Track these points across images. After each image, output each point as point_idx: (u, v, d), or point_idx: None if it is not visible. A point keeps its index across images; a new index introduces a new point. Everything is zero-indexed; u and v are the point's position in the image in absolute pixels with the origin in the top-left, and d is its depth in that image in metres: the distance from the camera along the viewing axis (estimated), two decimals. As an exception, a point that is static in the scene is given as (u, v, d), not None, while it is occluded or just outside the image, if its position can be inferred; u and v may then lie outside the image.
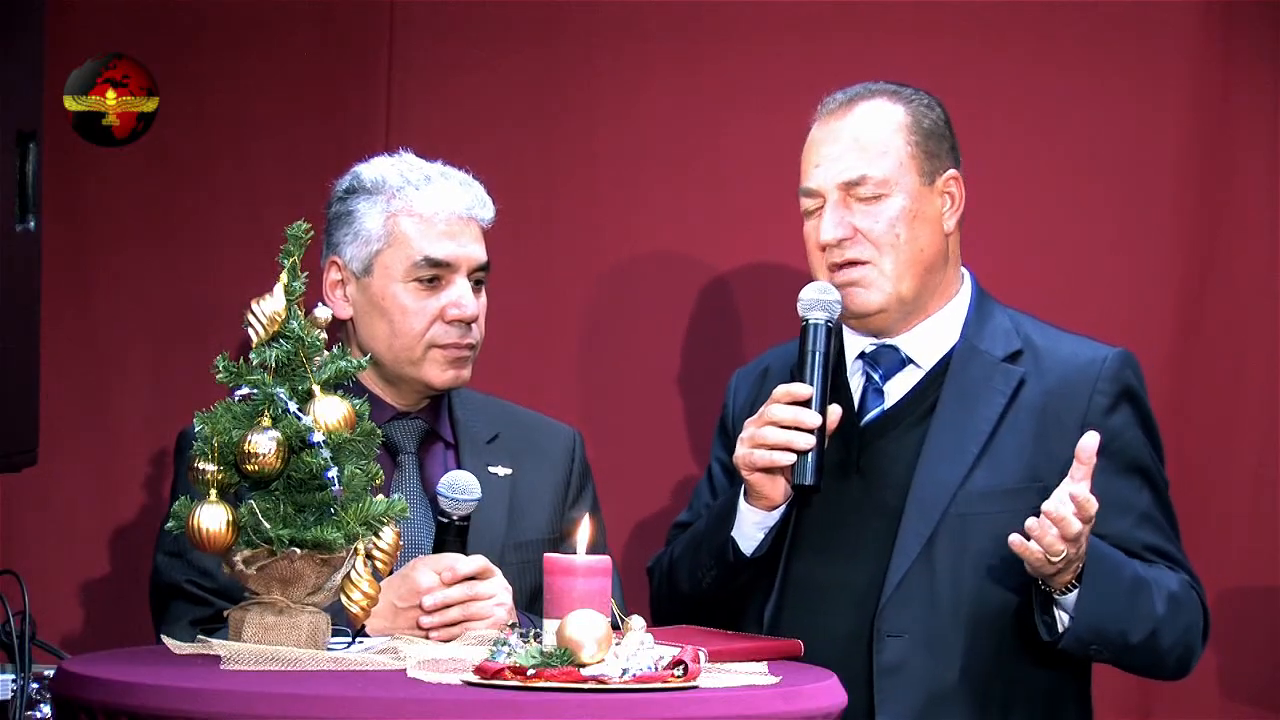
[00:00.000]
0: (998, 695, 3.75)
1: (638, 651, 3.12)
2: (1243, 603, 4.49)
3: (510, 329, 4.46)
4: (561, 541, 3.88)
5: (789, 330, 3.83)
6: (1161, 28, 4.56)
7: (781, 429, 3.69)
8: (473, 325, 3.89)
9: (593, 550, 3.29)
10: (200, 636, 3.44)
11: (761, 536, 3.79)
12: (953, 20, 4.60)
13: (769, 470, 3.71)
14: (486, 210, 3.93)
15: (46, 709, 3.66)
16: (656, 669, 3.09)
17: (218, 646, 3.27)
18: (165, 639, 3.39)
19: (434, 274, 3.87)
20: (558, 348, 4.69)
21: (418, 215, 3.87)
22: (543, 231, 4.63)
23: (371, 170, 3.93)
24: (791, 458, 3.69)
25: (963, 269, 3.95)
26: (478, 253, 3.90)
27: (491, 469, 3.91)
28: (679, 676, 3.09)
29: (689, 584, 3.91)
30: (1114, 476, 3.75)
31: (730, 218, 4.64)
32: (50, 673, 3.51)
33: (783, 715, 3.12)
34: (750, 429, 3.73)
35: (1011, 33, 4.60)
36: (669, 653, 3.13)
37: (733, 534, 3.80)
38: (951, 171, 3.88)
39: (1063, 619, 3.66)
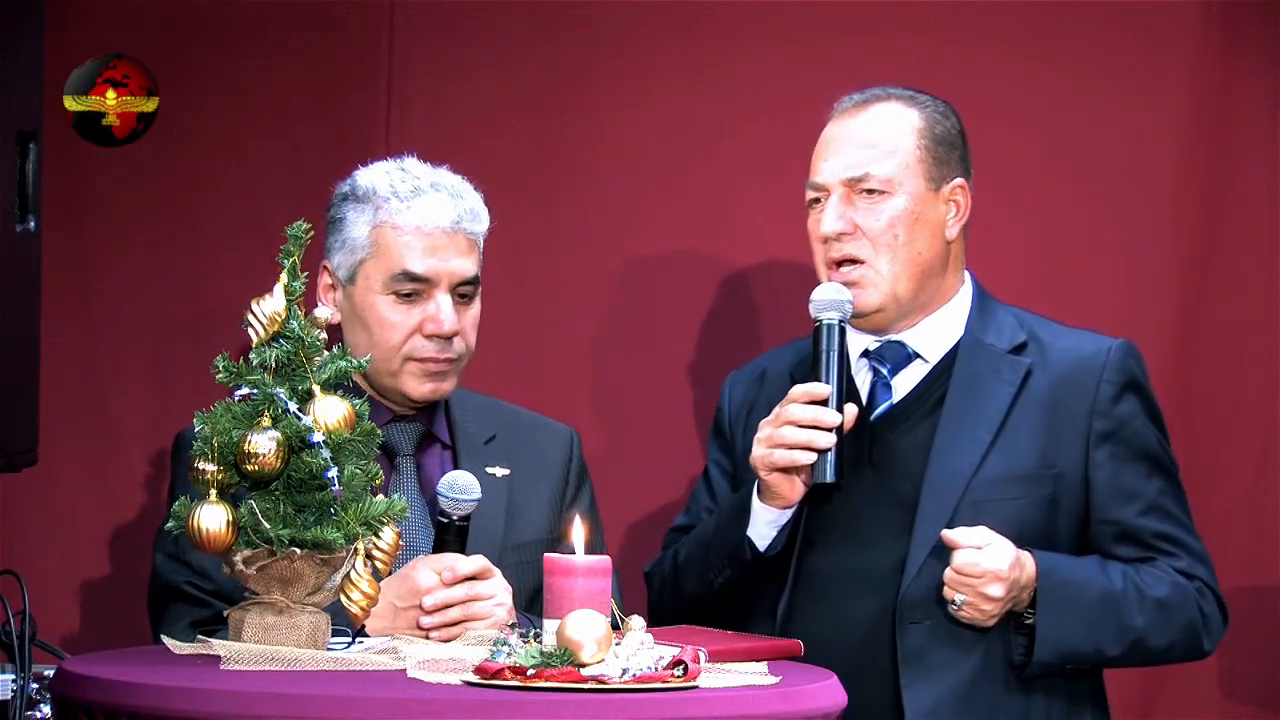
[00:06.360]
0: (1017, 681, 3.76)
1: (638, 651, 3.12)
2: (1243, 603, 4.48)
3: (511, 329, 4.46)
4: (559, 542, 3.87)
5: (789, 330, 3.84)
6: (1161, 28, 4.56)
7: (801, 428, 3.71)
8: (454, 339, 3.87)
9: (587, 549, 3.29)
10: (200, 637, 3.44)
11: (775, 534, 3.81)
12: (952, 21, 4.60)
13: (787, 470, 3.73)
14: (478, 223, 3.89)
15: (46, 709, 3.65)
16: (656, 669, 3.09)
17: (218, 646, 3.27)
18: (165, 639, 3.39)
19: (412, 288, 3.85)
20: (558, 348, 4.68)
21: (400, 228, 3.84)
22: (543, 231, 4.62)
23: (366, 177, 3.91)
24: (812, 457, 3.72)
25: (964, 271, 3.96)
26: (461, 267, 3.87)
27: (489, 470, 3.91)
28: (679, 676, 3.09)
29: (698, 586, 3.92)
30: (1123, 464, 3.80)
31: (731, 218, 4.64)
32: (50, 673, 3.50)
33: (783, 715, 3.12)
34: (768, 429, 3.75)
35: (1011, 33, 4.60)
36: (669, 653, 3.13)
37: (748, 533, 3.81)
38: (959, 180, 3.89)
39: None
